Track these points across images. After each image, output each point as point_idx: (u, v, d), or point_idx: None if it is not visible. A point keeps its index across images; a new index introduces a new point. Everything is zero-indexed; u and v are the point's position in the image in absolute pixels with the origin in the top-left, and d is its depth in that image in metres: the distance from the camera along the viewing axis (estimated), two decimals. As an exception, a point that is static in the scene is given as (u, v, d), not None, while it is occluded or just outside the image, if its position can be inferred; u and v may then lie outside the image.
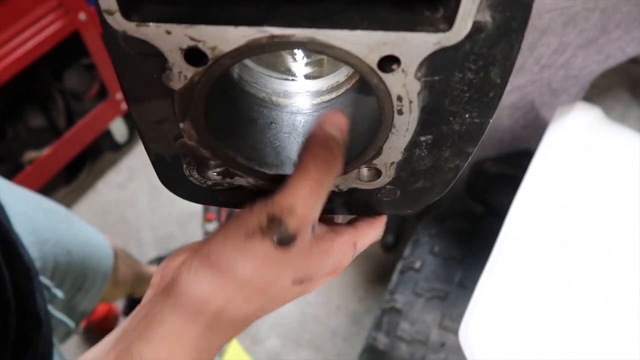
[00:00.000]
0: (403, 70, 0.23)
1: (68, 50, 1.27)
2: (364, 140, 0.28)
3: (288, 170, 0.30)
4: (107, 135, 1.49)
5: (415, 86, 0.24)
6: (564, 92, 0.94)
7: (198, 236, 1.36)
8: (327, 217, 0.32)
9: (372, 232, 0.31)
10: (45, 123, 1.32)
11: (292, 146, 0.31)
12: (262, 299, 0.26)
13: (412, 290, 0.88)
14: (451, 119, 0.26)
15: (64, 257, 0.69)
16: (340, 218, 0.35)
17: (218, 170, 0.30)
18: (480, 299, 0.61)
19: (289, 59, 0.33)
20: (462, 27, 0.21)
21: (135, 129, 1.70)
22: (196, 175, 0.30)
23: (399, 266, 0.93)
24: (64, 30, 1.18)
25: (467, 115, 0.26)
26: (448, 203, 1.06)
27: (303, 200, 0.25)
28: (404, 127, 0.26)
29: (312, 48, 0.22)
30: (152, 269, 1.17)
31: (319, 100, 0.33)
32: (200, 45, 0.22)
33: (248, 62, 0.32)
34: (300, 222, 0.25)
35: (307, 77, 0.34)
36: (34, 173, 1.25)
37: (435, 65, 0.23)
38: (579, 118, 0.75)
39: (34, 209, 0.70)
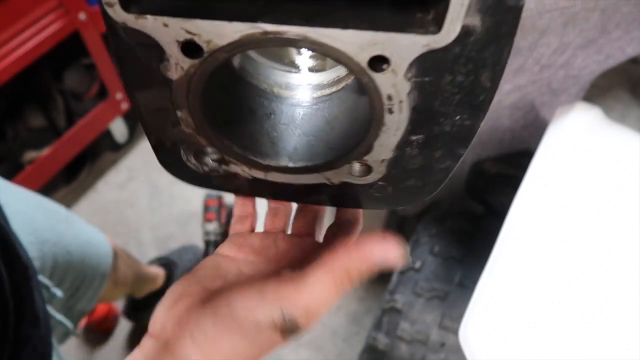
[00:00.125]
0: (393, 70, 0.23)
1: (68, 50, 1.27)
2: (357, 136, 0.28)
3: (282, 161, 0.30)
4: (107, 135, 1.49)
5: (405, 86, 0.24)
6: (564, 92, 0.94)
7: (198, 236, 1.36)
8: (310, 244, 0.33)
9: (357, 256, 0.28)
10: (45, 123, 1.32)
11: (288, 138, 0.32)
12: (263, 356, 0.27)
13: (412, 290, 0.88)
14: (442, 120, 0.26)
15: (63, 257, 0.69)
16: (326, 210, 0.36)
17: (214, 157, 0.31)
18: (480, 299, 0.61)
19: (294, 51, 0.34)
20: (450, 30, 0.21)
21: (135, 129, 1.71)
22: (193, 161, 0.31)
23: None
24: (64, 30, 1.18)
25: (457, 117, 0.26)
26: (448, 203, 1.06)
27: (320, 304, 0.25)
28: (395, 125, 0.26)
29: (304, 45, 0.22)
30: (152, 269, 1.17)
31: (319, 93, 0.33)
32: (195, 39, 0.23)
33: (251, 53, 0.32)
34: (312, 321, 0.25)
35: (310, 69, 0.34)
36: (34, 173, 1.25)
37: (425, 66, 0.23)
38: (579, 118, 0.75)
39: (34, 209, 0.70)
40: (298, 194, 0.33)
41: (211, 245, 1.28)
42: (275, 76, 0.33)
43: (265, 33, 0.22)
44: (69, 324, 0.66)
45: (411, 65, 0.23)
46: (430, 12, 0.21)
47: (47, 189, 1.40)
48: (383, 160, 0.29)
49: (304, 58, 0.34)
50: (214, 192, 1.36)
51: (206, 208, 1.34)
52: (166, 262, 1.24)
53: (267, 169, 0.31)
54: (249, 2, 0.22)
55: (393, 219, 1.33)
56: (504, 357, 0.56)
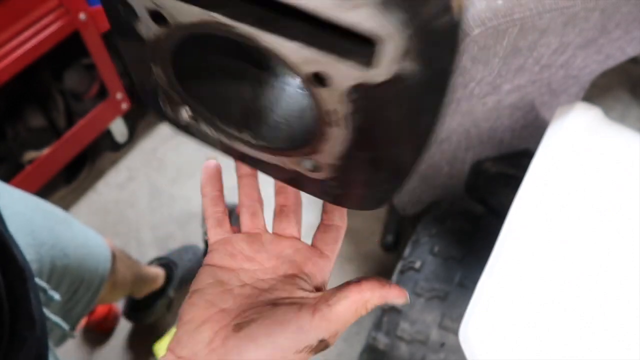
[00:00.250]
0: (334, 89, 0.23)
1: (68, 50, 1.27)
2: (312, 135, 0.28)
3: (245, 135, 0.31)
4: (107, 135, 1.49)
5: (346, 107, 0.24)
6: (564, 92, 0.94)
7: (198, 236, 1.36)
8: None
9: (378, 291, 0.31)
10: (45, 123, 1.32)
11: (261, 114, 0.32)
12: None
13: (412, 290, 0.88)
14: (383, 147, 0.26)
15: (61, 260, 0.69)
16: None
17: (188, 113, 0.32)
18: (480, 299, 0.61)
19: None
20: (382, 71, 0.21)
21: (135, 129, 1.70)
22: (170, 112, 0.32)
23: (399, 266, 0.93)
24: (64, 30, 1.18)
25: (397, 149, 0.26)
26: (448, 203, 1.06)
27: (344, 328, 0.30)
28: (337, 138, 0.26)
29: (254, 44, 0.23)
30: (152, 269, 1.17)
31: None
32: (160, 11, 0.24)
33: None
34: (337, 339, 0.30)
35: None
36: (34, 173, 1.25)
37: (365, 96, 0.23)
38: (579, 118, 0.75)
39: (32, 211, 0.70)
40: (260, 165, 0.33)
41: (211, 245, 1.28)
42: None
43: (218, 23, 0.23)
44: (66, 326, 0.66)
45: (350, 90, 0.23)
46: (366, 49, 0.21)
47: (47, 189, 1.40)
48: (329, 165, 0.29)
49: None
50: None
51: (206, 208, 1.34)
52: (166, 263, 1.24)
53: (230, 137, 0.31)
54: None
55: (393, 219, 1.33)
56: (504, 357, 0.56)
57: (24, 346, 0.47)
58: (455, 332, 0.80)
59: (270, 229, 0.38)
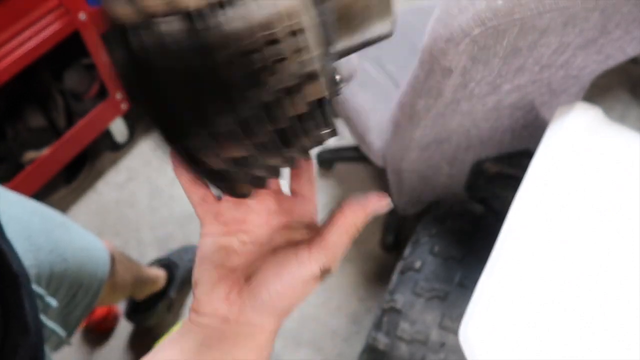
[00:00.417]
0: None
1: (68, 50, 1.27)
2: None
3: None
4: (107, 135, 1.49)
5: None
6: (564, 92, 0.94)
7: (198, 236, 1.35)
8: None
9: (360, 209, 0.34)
10: (45, 123, 1.32)
11: None
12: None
13: (412, 290, 0.88)
14: None
15: (59, 264, 0.69)
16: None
17: None
18: (480, 299, 0.61)
19: None
20: None
21: (135, 129, 1.70)
22: None
23: (399, 266, 0.93)
24: (64, 30, 1.18)
25: None
26: (448, 203, 1.06)
27: (342, 252, 0.33)
28: None
29: None
30: (153, 270, 1.17)
31: None
32: None
33: None
34: (338, 263, 0.33)
35: None
36: (34, 173, 1.25)
37: None
38: (579, 118, 0.75)
39: (30, 215, 0.70)
40: None
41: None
42: None
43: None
44: (62, 332, 0.65)
45: None
46: None
47: (47, 189, 1.40)
48: None
49: None
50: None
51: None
52: (167, 263, 1.24)
53: None
54: None
55: (393, 219, 1.33)
56: (504, 357, 0.56)
57: (17, 353, 0.47)
58: (455, 332, 0.80)
59: None
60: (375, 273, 1.30)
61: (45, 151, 1.28)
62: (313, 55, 0.23)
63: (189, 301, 1.24)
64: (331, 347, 1.19)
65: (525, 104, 0.91)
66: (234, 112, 0.23)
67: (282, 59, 0.22)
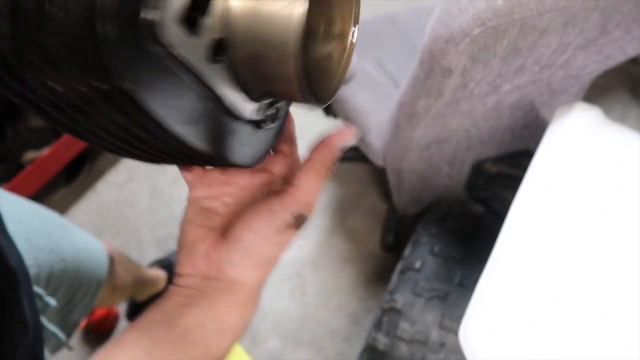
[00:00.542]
0: None
1: (68, 50, 1.27)
2: None
3: None
4: (107, 135, 1.49)
5: None
6: (564, 92, 0.94)
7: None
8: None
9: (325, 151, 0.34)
10: (45, 123, 1.32)
11: None
12: (282, 255, 0.35)
13: (412, 290, 0.88)
14: None
15: (58, 265, 0.69)
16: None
17: None
18: (480, 299, 0.61)
19: None
20: None
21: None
22: None
23: (399, 266, 0.93)
24: (64, 30, 1.18)
25: None
26: (448, 203, 1.06)
27: (315, 195, 0.33)
28: None
29: None
30: (153, 271, 1.17)
31: None
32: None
33: None
34: (313, 209, 0.33)
35: None
36: (34, 173, 1.25)
37: None
38: (579, 118, 0.75)
39: (29, 216, 0.70)
40: None
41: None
42: None
43: None
44: (61, 335, 0.65)
45: None
46: None
47: (47, 189, 1.40)
48: None
49: None
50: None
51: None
52: (167, 264, 1.24)
53: None
54: None
55: (393, 219, 1.33)
56: (504, 357, 0.56)
57: (16, 353, 0.47)
58: (455, 332, 0.80)
59: None
60: (375, 273, 1.30)
61: (45, 151, 1.28)
62: None
63: (189, 301, 1.24)
64: (331, 347, 1.19)
65: (525, 104, 0.91)
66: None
67: None
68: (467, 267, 0.88)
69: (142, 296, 1.15)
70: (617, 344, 0.55)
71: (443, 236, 0.94)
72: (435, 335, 0.82)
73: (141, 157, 0.29)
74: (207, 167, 0.35)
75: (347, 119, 1.09)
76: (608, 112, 0.79)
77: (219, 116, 0.27)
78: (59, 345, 0.69)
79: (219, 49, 0.25)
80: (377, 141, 1.02)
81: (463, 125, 0.90)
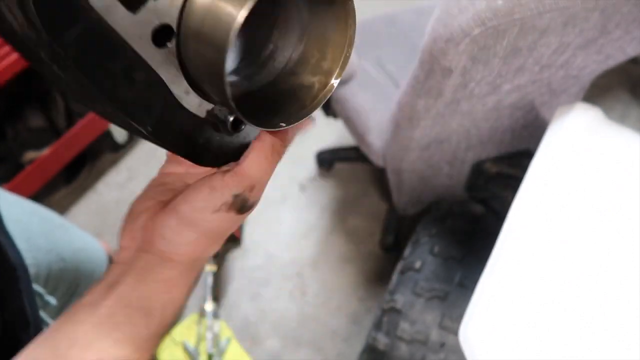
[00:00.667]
0: None
1: (68, 50, 1.27)
2: None
3: None
4: (107, 135, 1.49)
5: None
6: (564, 92, 0.94)
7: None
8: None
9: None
10: (45, 123, 1.32)
11: None
12: (225, 237, 0.33)
13: (412, 290, 0.88)
14: None
15: (57, 264, 0.69)
16: None
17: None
18: (480, 299, 0.61)
19: None
20: None
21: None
22: None
23: (399, 266, 0.93)
24: (64, 30, 1.18)
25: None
26: (448, 203, 1.06)
27: (259, 177, 0.31)
28: None
29: None
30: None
31: None
32: None
33: None
34: (257, 193, 0.31)
35: None
36: (34, 173, 1.25)
37: None
38: (579, 118, 0.75)
39: (28, 216, 0.70)
40: None
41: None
42: None
43: None
44: None
45: None
46: None
47: (47, 189, 1.40)
48: None
49: None
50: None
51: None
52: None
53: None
54: None
55: (393, 219, 1.33)
56: (504, 357, 0.56)
57: (17, 348, 0.47)
58: (455, 332, 0.80)
59: None
60: (375, 273, 1.30)
61: (45, 151, 1.28)
62: None
63: (189, 301, 1.24)
64: (331, 347, 1.19)
65: (525, 104, 0.91)
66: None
67: None
68: (467, 267, 0.88)
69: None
70: (617, 344, 0.55)
71: (443, 236, 0.94)
72: (435, 335, 0.82)
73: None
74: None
75: (347, 119, 1.09)
76: (608, 112, 0.79)
77: (161, 98, 0.28)
78: None
79: (166, 35, 0.26)
80: (377, 141, 1.02)
81: (463, 125, 0.90)
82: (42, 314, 0.60)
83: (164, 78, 0.27)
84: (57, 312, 0.70)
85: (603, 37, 0.73)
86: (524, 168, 0.72)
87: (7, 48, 1.08)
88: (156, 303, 0.31)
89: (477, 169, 1.07)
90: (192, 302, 1.24)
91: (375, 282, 1.28)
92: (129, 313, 0.30)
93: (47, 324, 0.63)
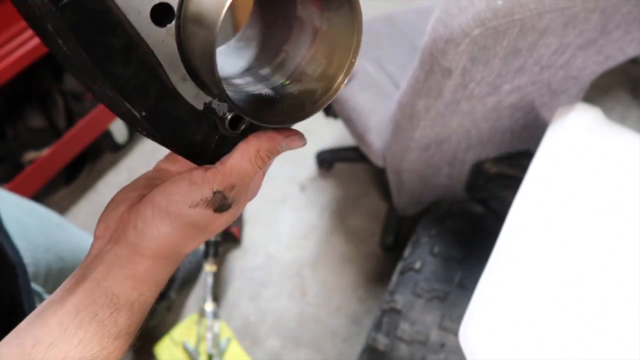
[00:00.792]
0: None
1: (68, 50, 1.27)
2: None
3: None
4: (107, 135, 1.49)
5: None
6: (564, 92, 0.94)
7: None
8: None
9: (263, 136, 0.32)
10: (45, 123, 1.32)
11: None
12: (202, 236, 0.32)
13: (412, 290, 0.88)
14: None
15: (56, 263, 0.69)
16: None
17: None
18: (480, 299, 0.61)
19: None
20: None
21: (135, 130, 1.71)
22: None
23: (399, 267, 0.93)
24: (64, 30, 1.18)
25: None
26: (448, 203, 1.06)
27: (240, 178, 0.30)
28: None
29: None
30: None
31: None
32: None
33: None
34: (237, 194, 0.31)
35: None
36: (34, 173, 1.25)
37: None
38: (579, 118, 0.75)
39: (27, 215, 0.70)
40: None
41: (211, 246, 1.28)
42: None
43: None
44: None
45: None
46: None
47: (47, 189, 1.40)
48: None
49: None
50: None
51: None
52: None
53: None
54: None
55: (393, 219, 1.33)
56: (504, 357, 0.56)
57: None
58: (455, 333, 0.80)
59: None
60: (375, 273, 1.30)
61: (45, 151, 1.28)
62: None
63: (189, 301, 1.24)
64: (331, 347, 1.19)
65: (525, 105, 0.91)
66: None
67: None
68: (467, 267, 0.88)
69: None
70: (617, 344, 0.55)
71: (443, 236, 0.94)
72: (435, 335, 0.82)
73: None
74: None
75: (347, 119, 1.09)
76: (608, 112, 0.79)
77: (157, 81, 0.28)
78: None
79: (165, 14, 0.26)
80: (377, 141, 1.02)
81: (463, 125, 0.90)
82: None
83: (160, 59, 0.28)
84: None
85: (603, 38, 0.73)
86: (524, 168, 0.72)
87: (7, 48, 1.08)
88: (123, 300, 0.30)
89: (477, 169, 1.07)
90: (192, 302, 1.24)
91: (375, 282, 1.28)
92: (94, 310, 0.29)
93: None
